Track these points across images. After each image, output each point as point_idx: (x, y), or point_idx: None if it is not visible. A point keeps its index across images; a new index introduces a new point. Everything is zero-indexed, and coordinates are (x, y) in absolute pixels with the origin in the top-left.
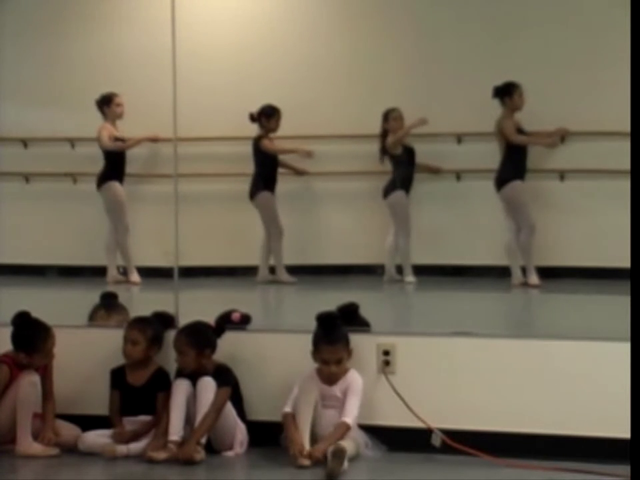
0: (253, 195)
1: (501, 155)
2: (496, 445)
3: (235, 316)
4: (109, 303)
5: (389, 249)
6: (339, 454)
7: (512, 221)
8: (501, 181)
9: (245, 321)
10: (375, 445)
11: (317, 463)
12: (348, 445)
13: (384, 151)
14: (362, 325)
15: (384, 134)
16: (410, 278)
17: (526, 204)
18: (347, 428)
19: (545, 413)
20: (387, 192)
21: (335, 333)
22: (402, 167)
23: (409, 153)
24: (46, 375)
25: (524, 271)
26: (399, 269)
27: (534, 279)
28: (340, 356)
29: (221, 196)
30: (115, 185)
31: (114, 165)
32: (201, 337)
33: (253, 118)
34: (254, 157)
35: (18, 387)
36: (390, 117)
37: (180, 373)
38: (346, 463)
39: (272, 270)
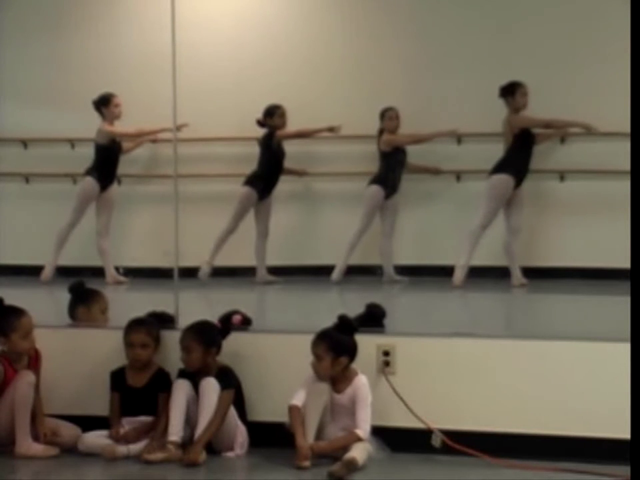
0: (241, 185)
1: (505, 149)
2: (496, 445)
3: (236, 319)
4: (83, 295)
5: (384, 250)
6: (351, 465)
7: (508, 220)
8: (494, 169)
9: (245, 324)
10: (380, 446)
11: (316, 461)
12: (361, 457)
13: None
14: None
15: (380, 133)
16: (335, 275)
17: (499, 199)
18: (357, 439)
19: (545, 413)
20: (367, 183)
21: (326, 331)
22: (388, 166)
23: (400, 154)
24: (35, 372)
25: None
26: (398, 270)
27: (459, 276)
28: (317, 352)
29: (221, 196)
30: (88, 181)
31: (100, 163)
32: (209, 335)
33: (261, 123)
34: (259, 155)
35: (15, 388)
36: (386, 115)
37: (182, 373)
38: (351, 475)
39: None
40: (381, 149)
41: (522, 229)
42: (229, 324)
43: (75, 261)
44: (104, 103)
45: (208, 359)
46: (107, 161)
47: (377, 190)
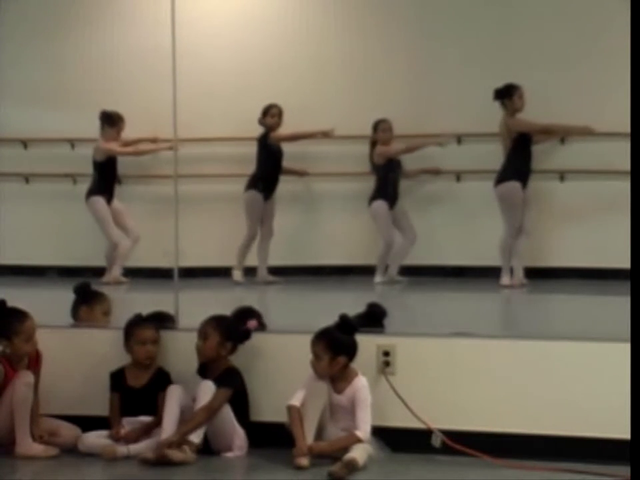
0: (244, 191)
1: (504, 154)
2: (496, 445)
3: (252, 324)
4: (87, 296)
5: (396, 251)
6: (351, 466)
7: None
8: (500, 178)
9: (261, 328)
10: (380, 447)
11: (316, 461)
12: (361, 458)
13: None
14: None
15: (373, 144)
16: (378, 278)
17: (517, 206)
18: (357, 441)
19: (545, 413)
20: (369, 201)
21: (325, 330)
22: (384, 177)
23: (395, 163)
24: (35, 373)
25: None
26: (398, 270)
27: (506, 279)
28: (315, 350)
29: (221, 197)
30: (97, 201)
31: (101, 179)
32: (228, 328)
33: (260, 121)
34: (257, 155)
35: (14, 388)
36: (379, 128)
37: (202, 369)
38: (351, 476)
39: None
40: (375, 162)
41: (532, 230)
42: (246, 328)
43: (74, 261)
44: (111, 122)
45: (222, 351)
46: (107, 176)
47: (381, 204)
